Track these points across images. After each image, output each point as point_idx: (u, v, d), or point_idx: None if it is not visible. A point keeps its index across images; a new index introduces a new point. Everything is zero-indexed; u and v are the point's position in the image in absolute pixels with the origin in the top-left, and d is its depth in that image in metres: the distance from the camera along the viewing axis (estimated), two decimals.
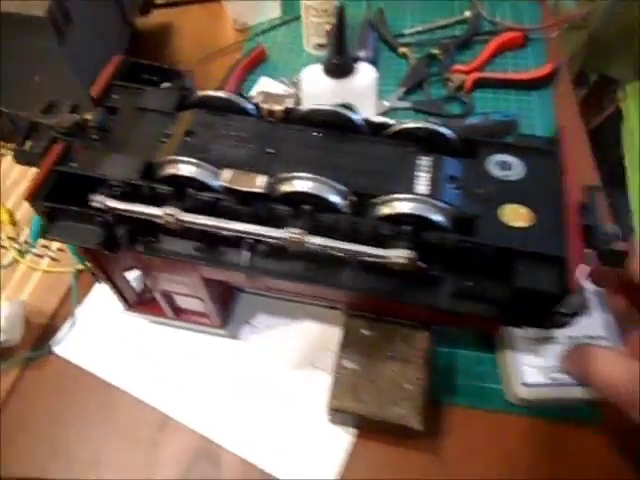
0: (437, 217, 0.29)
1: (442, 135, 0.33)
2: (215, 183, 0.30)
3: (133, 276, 0.43)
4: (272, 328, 0.48)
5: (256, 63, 0.69)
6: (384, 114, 0.63)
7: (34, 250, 0.55)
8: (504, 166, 0.33)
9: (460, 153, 0.33)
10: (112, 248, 0.32)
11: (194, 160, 0.30)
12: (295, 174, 0.30)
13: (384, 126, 0.34)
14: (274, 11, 0.75)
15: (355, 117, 0.33)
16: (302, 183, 0.29)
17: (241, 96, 0.35)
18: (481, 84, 0.66)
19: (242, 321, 0.48)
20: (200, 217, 0.30)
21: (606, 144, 1.19)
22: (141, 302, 0.45)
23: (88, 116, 0.34)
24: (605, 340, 0.42)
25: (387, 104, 0.64)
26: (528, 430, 0.43)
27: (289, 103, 0.34)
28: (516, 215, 0.31)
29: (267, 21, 0.75)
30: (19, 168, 0.61)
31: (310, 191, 0.29)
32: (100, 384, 0.47)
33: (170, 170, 0.30)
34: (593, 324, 0.43)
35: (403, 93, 0.65)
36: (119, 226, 0.32)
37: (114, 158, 0.32)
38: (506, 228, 0.30)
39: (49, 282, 0.53)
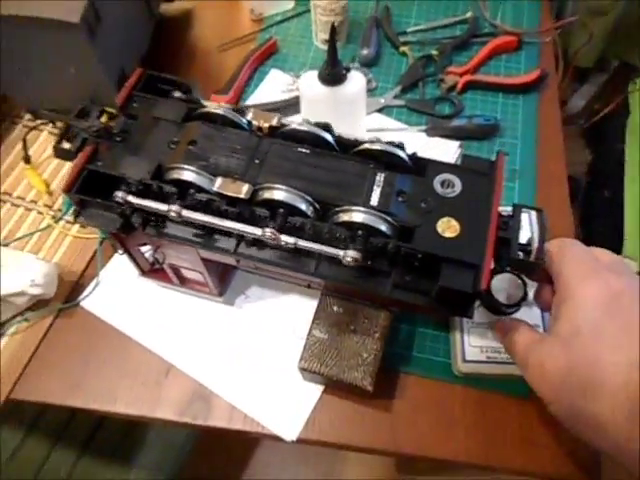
0: (382, 227, 0.37)
1: (398, 156, 0.40)
2: (210, 187, 0.38)
3: (146, 249, 0.52)
4: (263, 299, 0.57)
5: (268, 55, 0.76)
6: (379, 111, 0.70)
7: (66, 217, 0.64)
8: (447, 184, 0.40)
9: (412, 171, 0.41)
10: (128, 231, 0.41)
11: (194, 168, 0.38)
12: (273, 185, 0.37)
13: (353, 144, 0.41)
14: (288, 2, 0.81)
15: (328, 137, 0.41)
16: (278, 193, 0.37)
17: (236, 111, 0.42)
18: (472, 86, 0.71)
19: (238, 291, 0.57)
20: (197, 214, 0.38)
21: (609, 137, 1.22)
22: (153, 270, 0.54)
23: (112, 123, 0.42)
24: (539, 328, 0.50)
25: (382, 101, 0.70)
26: (467, 398, 0.51)
27: (275, 121, 0.41)
28: (448, 227, 0.38)
29: (281, 12, 0.81)
30: (53, 143, 0.70)
31: (284, 200, 0.37)
32: (117, 334, 0.56)
33: (175, 175, 0.39)
34: (532, 314, 0.50)
35: (399, 91, 0.71)
36: (134, 215, 0.41)
37: (132, 160, 0.41)
38: (438, 237, 0.38)
39: (78, 246, 0.62)
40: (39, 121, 0.68)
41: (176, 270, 0.52)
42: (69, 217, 0.64)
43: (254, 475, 1.20)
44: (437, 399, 0.51)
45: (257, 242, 0.41)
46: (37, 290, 0.54)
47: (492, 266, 0.37)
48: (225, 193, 0.38)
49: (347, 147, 0.42)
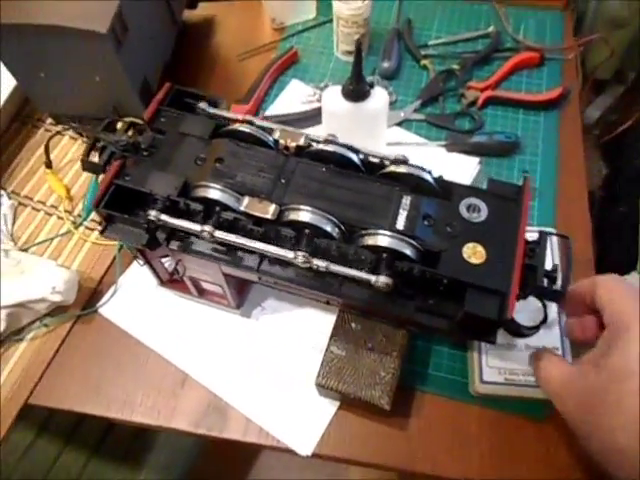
0: (408, 251, 0.37)
1: (424, 179, 0.40)
2: (237, 206, 0.39)
3: (167, 260, 0.52)
4: (279, 312, 0.57)
5: (288, 65, 0.76)
6: (399, 124, 0.70)
7: (86, 223, 0.64)
8: (473, 209, 0.40)
9: (438, 194, 0.41)
10: (153, 247, 0.41)
11: (221, 187, 0.38)
12: (299, 206, 0.38)
13: (378, 166, 0.41)
14: (309, 12, 0.81)
15: (354, 157, 0.41)
16: (304, 214, 0.37)
17: (263, 129, 0.42)
18: (492, 102, 0.71)
19: (255, 303, 0.57)
20: (229, 235, 0.38)
21: (626, 152, 1.21)
22: (172, 280, 0.55)
23: (140, 137, 0.42)
24: (558, 351, 0.50)
25: (402, 115, 0.70)
26: (483, 418, 0.51)
27: (302, 141, 0.41)
28: (474, 252, 0.38)
29: (302, 22, 0.81)
30: (75, 148, 0.70)
31: (310, 221, 0.37)
32: (134, 342, 0.57)
33: (202, 193, 0.39)
34: (551, 336, 0.50)
35: (419, 105, 0.71)
36: (159, 230, 0.41)
37: (158, 175, 0.41)
38: (464, 263, 0.38)
39: (97, 253, 0.62)
40: (61, 126, 0.69)
41: (195, 282, 0.52)
42: (89, 223, 0.64)
43: (259, 477, 1.20)
44: (453, 418, 0.51)
45: (280, 260, 0.42)
46: (58, 297, 0.54)
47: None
48: (252, 213, 0.38)
49: (373, 168, 0.42)
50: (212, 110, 0.46)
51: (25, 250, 0.62)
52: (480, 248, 0.38)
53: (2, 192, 0.67)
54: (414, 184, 0.40)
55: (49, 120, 0.72)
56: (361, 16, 0.70)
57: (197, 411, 0.53)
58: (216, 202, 0.39)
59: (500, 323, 0.37)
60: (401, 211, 0.39)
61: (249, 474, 1.21)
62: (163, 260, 0.51)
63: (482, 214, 0.40)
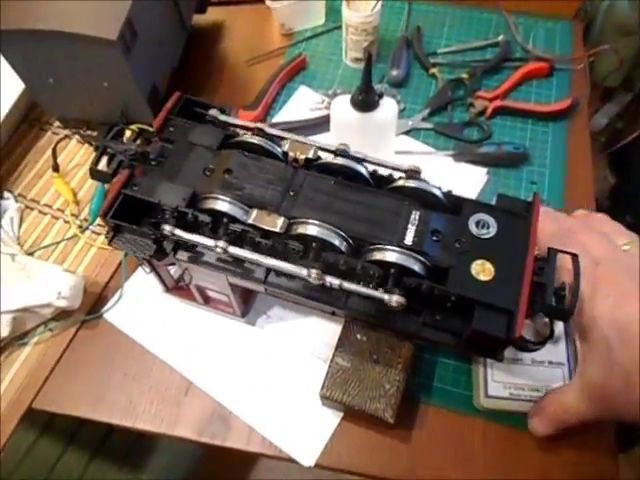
0: (416, 267, 0.37)
1: (433, 194, 0.40)
2: (245, 219, 0.39)
3: (173, 268, 0.52)
4: (284, 320, 0.57)
5: (297, 71, 0.76)
6: (407, 133, 0.69)
7: (92, 227, 0.64)
8: (482, 225, 0.40)
9: (447, 209, 0.40)
10: (161, 257, 0.41)
11: (229, 199, 0.38)
12: (307, 220, 0.37)
13: (387, 179, 0.41)
14: (318, 18, 0.81)
15: (363, 171, 0.41)
16: (312, 228, 0.37)
17: (271, 140, 0.42)
18: (501, 112, 0.70)
19: (260, 312, 0.57)
20: (243, 251, 0.38)
21: (634, 161, 1.21)
22: (177, 287, 0.55)
23: (149, 147, 0.42)
24: (564, 366, 0.49)
25: (410, 123, 0.70)
26: (487, 432, 0.51)
27: (311, 153, 0.41)
28: (483, 269, 0.38)
29: (311, 28, 0.81)
30: (82, 152, 0.70)
31: (318, 235, 0.37)
32: (139, 347, 0.57)
33: (210, 204, 0.39)
34: (557, 351, 0.50)
35: (427, 114, 0.71)
36: (167, 240, 0.41)
37: (167, 186, 0.41)
38: (473, 280, 0.37)
39: (103, 257, 0.62)
40: (68, 130, 0.69)
41: (201, 290, 0.52)
42: (95, 227, 0.64)
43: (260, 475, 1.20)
44: (457, 432, 0.51)
45: (287, 274, 0.41)
46: (63, 302, 0.54)
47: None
48: (260, 226, 0.38)
49: (382, 181, 0.42)
50: (223, 117, 0.46)
51: (31, 254, 0.62)
52: (489, 265, 0.38)
53: (9, 195, 0.67)
54: (423, 199, 0.40)
55: (56, 123, 0.72)
56: (370, 24, 0.70)
57: (200, 419, 0.53)
58: (224, 214, 0.39)
59: (508, 342, 0.36)
60: (410, 226, 0.39)
61: (250, 476, 1.21)
62: (169, 268, 0.51)
63: (491, 230, 0.39)
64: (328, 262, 0.38)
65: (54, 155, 0.65)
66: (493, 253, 0.38)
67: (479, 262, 0.38)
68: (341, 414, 0.52)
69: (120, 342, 0.57)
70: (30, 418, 0.54)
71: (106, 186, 0.61)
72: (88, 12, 0.54)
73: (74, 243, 0.64)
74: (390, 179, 0.41)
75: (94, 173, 0.43)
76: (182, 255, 0.42)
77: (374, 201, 0.40)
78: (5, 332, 0.54)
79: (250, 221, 0.38)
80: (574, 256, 0.39)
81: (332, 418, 0.52)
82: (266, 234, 0.39)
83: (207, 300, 0.54)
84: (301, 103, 0.72)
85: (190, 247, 0.42)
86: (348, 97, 0.55)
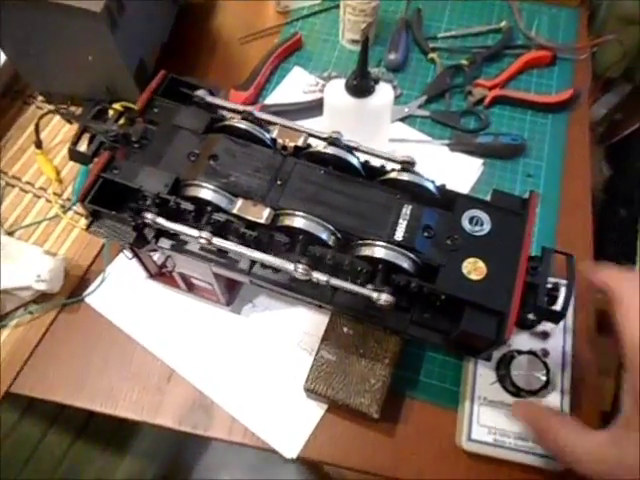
0: (405, 264, 0.35)
1: (426, 188, 0.38)
2: (229, 208, 0.37)
3: (156, 254, 0.50)
4: (270, 310, 0.56)
5: (292, 51, 0.73)
6: (402, 120, 0.68)
7: (75, 208, 0.62)
8: (476, 221, 0.38)
9: (440, 204, 0.39)
10: (141, 245, 0.39)
11: (214, 187, 0.37)
12: (294, 212, 0.36)
13: (379, 171, 0.39)
14: None
15: (354, 161, 0.39)
16: (299, 220, 0.36)
17: (260, 127, 0.40)
18: (500, 101, 0.68)
19: (246, 300, 0.56)
20: (228, 243, 0.36)
21: (631, 154, 1.19)
22: (161, 274, 0.53)
23: (131, 128, 0.40)
24: None
25: (406, 110, 0.68)
26: None
27: (301, 141, 0.39)
28: (474, 268, 0.37)
29: (307, 6, 0.78)
30: (67, 128, 0.68)
31: (305, 228, 0.36)
32: (120, 333, 0.55)
33: (194, 192, 0.37)
34: (550, 400, 0.46)
35: (424, 101, 0.69)
36: (148, 228, 0.39)
37: (149, 170, 0.39)
38: (463, 279, 0.36)
39: (85, 239, 0.60)
40: (55, 107, 0.66)
41: (185, 278, 0.50)
42: (78, 208, 0.62)
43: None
44: (442, 427, 0.50)
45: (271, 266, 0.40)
46: (42, 286, 0.52)
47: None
48: (245, 216, 0.36)
49: (374, 173, 0.40)
50: (210, 99, 0.44)
51: (11, 233, 0.60)
52: (481, 264, 0.36)
53: None
54: (415, 192, 0.39)
55: (40, 97, 0.69)
56: (369, 4, 0.67)
57: (182, 408, 0.52)
58: (208, 202, 0.37)
59: (497, 343, 0.35)
60: (401, 221, 0.37)
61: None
62: (152, 254, 0.49)
63: (485, 227, 0.38)
64: (315, 256, 0.37)
65: (37, 131, 0.63)
66: (486, 251, 0.37)
67: (471, 260, 0.37)
68: (325, 406, 0.51)
69: (102, 327, 0.56)
70: (12, 399, 0.53)
71: (90, 165, 0.59)
72: None
73: (56, 223, 0.62)
74: (382, 170, 0.40)
75: (73, 154, 0.41)
76: (164, 243, 0.41)
77: (365, 193, 0.38)
78: None
79: (235, 211, 0.36)
80: (569, 256, 0.38)
81: (316, 410, 0.51)
82: (251, 225, 0.37)
83: (191, 287, 0.53)
84: (294, 85, 0.70)
85: (172, 235, 0.40)
86: (343, 81, 0.53)
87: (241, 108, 0.43)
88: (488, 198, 0.41)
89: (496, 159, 0.64)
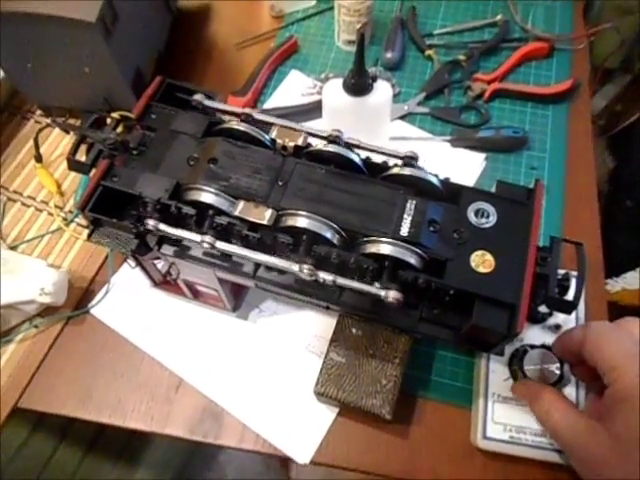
0: (412, 260, 0.35)
1: (430, 182, 0.38)
2: (231, 211, 0.36)
3: (160, 262, 0.50)
4: (277, 314, 0.55)
5: (288, 55, 0.73)
6: (402, 118, 0.67)
7: (77, 220, 0.62)
8: (482, 214, 0.38)
9: (445, 198, 0.38)
10: (144, 252, 0.39)
11: (214, 190, 0.36)
12: (297, 211, 0.35)
13: (381, 167, 0.39)
14: (310, 0, 0.78)
15: (356, 159, 0.38)
16: (302, 220, 0.35)
17: (259, 129, 0.40)
18: (499, 95, 0.68)
19: (252, 306, 0.55)
20: (232, 247, 0.36)
21: (633, 144, 1.18)
22: (165, 282, 0.52)
23: (129, 135, 0.40)
24: None
25: (406, 108, 0.67)
26: None
27: (300, 140, 0.39)
28: (482, 261, 0.36)
29: (302, 10, 0.78)
30: (66, 141, 0.68)
31: (308, 227, 0.35)
32: (127, 344, 0.55)
33: (194, 196, 0.36)
34: (565, 394, 0.44)
35: (423, 98, 0.68)
36: (150, 234, 0.39)
37: (149, 177, 0.38)
38: (472, 272, 0.35)
39: (89, 251, 0.60)
40: (51, 119, 0.66)
41: (190, 285, 0.50)
42: (80, 220, 0.62)
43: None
44: (456, 426, 0.49)
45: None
46: (47, 299, 0.52)
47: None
48: (247, 218, 0.36)
49: (375, 169, 0.39)
50: (208, 103, 0.44)
51: (14, 248, 0.60)
52: (489, 256, 0.36)
53: None
54: (419, 187, 0.38)
55: (39, 112, 0.69)
56: (364, 4, 0.67)
57: (192, 417, 0.51)
58: (209, 206, 0.37)
59: (510, 336, 0.35)
60: (405, 216, 0.37)
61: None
62: (156, 262, 0.49)
63: (491, 219, 0.37)
64: (320, 256, 0.36)
65: (36, 145, 0.63)
66: (493, 243, 0.36)
67: (479, 253, 0.36)
68: (337, 410, 0.50)
69: (108, 338, 0.55)
70: (21, 415, 0.53)
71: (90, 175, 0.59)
72: None
73: (59, 236, 0.61)
74: (384, 167, 0.39)
75: (71, 163, 0.40)
76: (167, 250, 0.40)
77: (367, 190, 0.38)
78: None
79: (236, 213, 0.36)
80: (578, 245, 0.38)
81: (328, 414, 0.50)
82: (254, 227, 0.36)
83: (196, 294, 0.52)
84: (292, 88, 0.70)
85: (175, 241, 0.40)
86: (340, 81, 0.53)
87: (239, 111, 0.43)
88: (493, 190, 0.40)
89: (498, 153, 0.64)
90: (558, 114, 0.67)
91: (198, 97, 0.44)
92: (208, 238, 0.35)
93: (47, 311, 0.56)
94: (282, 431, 0.50)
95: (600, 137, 1.28)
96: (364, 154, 0.40)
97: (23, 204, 0.64)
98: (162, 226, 0.36)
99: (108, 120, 0.42)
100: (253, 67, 0.70)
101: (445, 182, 0.39)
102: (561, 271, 0.37)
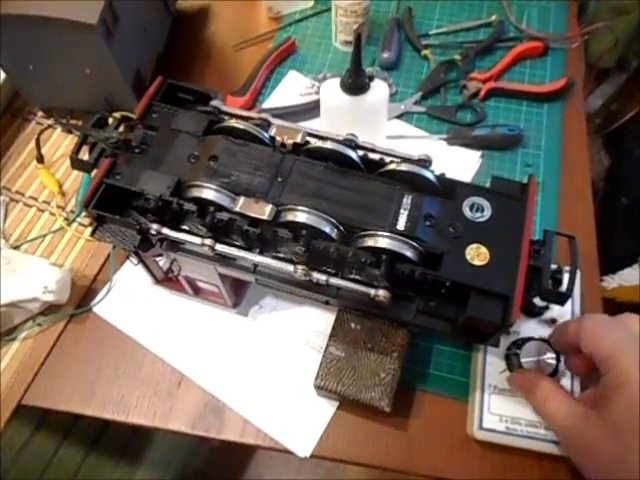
0: (408, 253, 0.36)
1: (426, 177, 0.39)
2: (232, 206, 0.37)
3: (161, 259, 0.51)
4: (277, 310, 0.56)
5: (286, 55, 0.74)
6: (399, 117, 0.68)
7: (79, 219, 0.63)
8: (477, 208, 0.39)
9: (440, 193, 0.39)
10: (146, 248, 0.40)
11: (215, 187, 0.37)
12: (297, 207, 0.36)
13: (378, 164, 0.40)
14: (307, 1, 0.79)
15: (353, 155, 0.39)
16: (301, 215, 0.36)
17: (259, 126, 0.41)
18: (495, 94, 0.69)
19: (252, 302, 0.56)
20: (231, 249, 0.37)
21: (629, 142, 1.19)
22: (167, 279, 0.53)
23: (131, 134, 0.40)
24: None
25: (402, 107, 0.68)
26: None
27: (299, 138, 0.40)
28: (477, 254, 0.37)
29: (299, 11, 0.79)
30: (67, 142, 0.69)
31: (307, 222, 0.36)
32: (129, 341, 0.56)
33: (196, 193, 0.37)
34: (565, 385, 0.45)
35: (420, 97, 0.69)
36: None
37: (150, 174, 0.39)
38: (467, 265, 0.36)
39: (91, 250, 0.61)
40: (52, 120, 0.67)
41: (191, 281, 0.51)
42: (82, 219, 0.63)
43: (257, 472, 1.20)
44: (453, 418, 0.50)
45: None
46: (50, 297, 0.53)
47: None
48: (248, 214, 0.36)
49: (372, 166, 0.40)
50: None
51: (17, 247, 0.61)
52: (484, 249, 0.37)
53: None
54: (415, 183, 0.39)
55: (40, 113, 0.70)
56: (360, 5, 0.68)
57: (194, 412, 0.52)
58: (210, 202, 0.37)
59: (504, 327, 0.35)
60: (402, 211, 0.38)
61: (248, 467, 1.21)
62: (157, 259, 0.50)
63: (486, 213, 0.38)
64: (319, 250, 0.37)
65: (38, 146, 0.64)
66: (488, 237, 0.37)
67: (474, 246, 0.37)
68: (337, 404, 0.51)
69: (110, 336, 0.56)
70: (24, 413, 0.54)
71: (92, 175, 0.60)
72: None
73: (61, 236, 0.62)
74: (381, 163, 0.40)
75: (74, 162, 0.41)
76: (168, 245, 0.41)
77: (365, 186, 0.39)
78: None
79: (237, 209, 0.37)
80: (571, 238, 0.39)
81: (327, 408, 0.51)
82: (254, 222, 0.37)
83: (197, 291, 0.53)
84: (290, 88, 0.71)
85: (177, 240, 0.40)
86: (338, 80, 0.54)
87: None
88: (488, 185, 0.41)
89: (494, 150, 0.65)
90: (553, 112, 0.68)
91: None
92: (208, 241, 0.36)
93: (50, 309, 0.56)
94: (283, 425, 0.50)
95: (596, 136, 1.29)
96: (374, 154, 0.41)
97: (25, 204, 0.65)
98: (165, 230, 0.37)
99: (110, 120, 0.43)
100: (251, 68, 0.71)
101: (441, 178, 0.40)
102: (554, 266, 0.38)
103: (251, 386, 0.52)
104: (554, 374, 0.44)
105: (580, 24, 0.79)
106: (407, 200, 0.38)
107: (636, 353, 0.35)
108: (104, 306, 0.57)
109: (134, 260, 0.48)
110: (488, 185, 0.41)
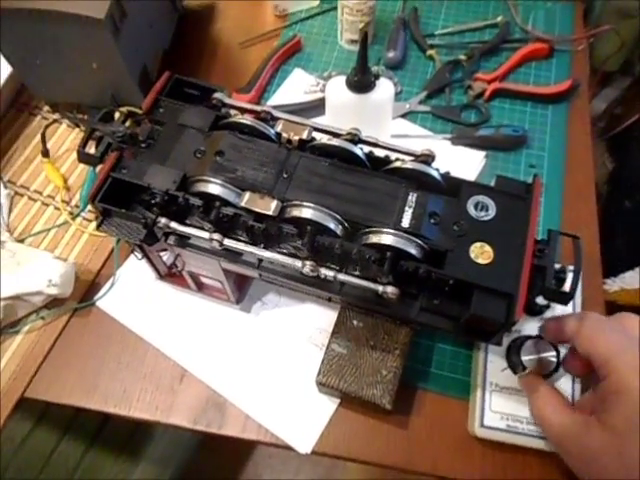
0: (412, 250, 0.36)
1: (431, 175, 0.39)
2: (237, 202, 0.37)
3: (165, 254, 0.51)
4: (280, 307, 0.56)
5: (291, 53, 0.74)
6: (403, 116, 0.68)
7: (83, 214, 0.63)
8: (481, 207, 0.39)
9: (445, 191, 0.39)
10: (151, 242, 0.40)
11: (221, 181, 0.37)
12: (302, 202, 0.36)
13: (384, 161, 0.40)
14: (313, 0, 0.79)
15: (359, 152, 0.39)
16: (307, 211, 0.36)
17: (265, 121, 0.41)
18: (500, 94, 0.69)
19: (255, 298, 0.56)
20: (239, 244, 0.37)
21: (632, 145, 1.19)
22: (170, 274, 0.53)
23: (138, 129, 0.41)
24: (568, 398, 0.45)
25: (407, 106, 0.68)
26: None
27: (305, 134, 0.40)
28: (481, 252, 0.37)
29: (305, 9, 0.79)
30: (73, 136, 0.69)
31: (313, 218, 0.36)
32: (132, 335, 0.56)
33: (201, 187, 0.38)
34: (561, 386, 0.46)
35: (425, 96, 0.69)
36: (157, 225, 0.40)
37: (157, 168, 0.40)
38: (471, 263, 0.36)
39: (95, 244, 0.61)
40: (58, 115, 0.67)
41: (194, 277, 0.51)
42: (86, 214, 0.63)
43: (257, 469, 1.20)
44: (454, 417, 0.50)
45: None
46: (54, 290, 0.53)
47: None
48: (253, 209, 0.37)
49: (378, 163, 0.40)
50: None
51: (21, 241, 0.61)
52: (488, 248, 0.37)
53: None
54: (420, 181, 0.39)
55: (46, 108, 0.70)
56: (366, 4, 0.68)
57: (195, 407, 0.52)
58: (216, 197, 0.38)
59: (507, 325, 0.36)
60: (407, 208, 0.38)
61: (247, 466, 1.21)
62: (161, 254, 0.50)
63: (490, 212, 0.38)
64: (323, 246, 0.37)
65: (43, 140, 0.64)
66: (492, 236, 0.37)
67: (478, 245, 0.37)
68: (338, 401, 0.51)
69: (113, 330, 0.56)
70: (25, 407, 0.54)
71: (97, 171, 0.60)
72: None
73: (65, 230, 0.62)
74: (387, 160, 0.40)
75: (81, 155, 0.41)
76: (173, 240, 0.41)
77: (370, 183, 0.39)
78: None
79: (242, 204, 0.37)
80: (575, 238, 0.39)
81: (329, 404, 0.51)
82: (259, 217, 0.37)
83: (201, 287, 0.53)
84: (296, 86, 0.71)
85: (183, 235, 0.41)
86: (343, 78, 0.54)
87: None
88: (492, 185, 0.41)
89: (498, 151, 0.65)
90: (557, 114, 0.68)
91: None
92: (217, 236, 0.36)
93: (54, 303, 0.57)
94: (284, 421, 0.51)
95: (600, 139, 1.29)
96: (379, 152, 0.41)
97: (30, 198, 0.65)
98: (173, 224, 0.37)
99: (116, 115, 0.43)
100: (257, 65, 0.71)
101: (446, 176, 0.40)
102: (558, 265, 0.38)
103: (253, 382, 0.52)
104: (555, 371, 0.44)
105: (586, 26, 0.79)
106: (412, 198, 0.38)
107: (635, 358, 0.35)
108: (107, 300, 0.58)
109: (138, 255, 0.48)
110: (493, 184, 0.41)
